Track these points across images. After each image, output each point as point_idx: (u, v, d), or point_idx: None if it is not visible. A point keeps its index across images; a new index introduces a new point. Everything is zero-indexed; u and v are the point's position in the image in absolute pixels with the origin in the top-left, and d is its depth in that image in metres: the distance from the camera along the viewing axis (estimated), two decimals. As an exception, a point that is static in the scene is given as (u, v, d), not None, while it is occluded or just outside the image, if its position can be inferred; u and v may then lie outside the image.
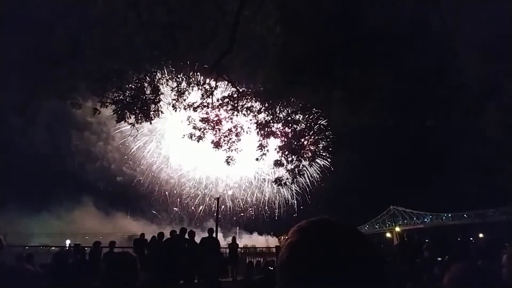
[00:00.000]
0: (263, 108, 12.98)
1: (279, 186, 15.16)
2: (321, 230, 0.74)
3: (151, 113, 11.57)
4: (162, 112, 11.91)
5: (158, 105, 11.76)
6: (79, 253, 10.33)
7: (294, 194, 53.09)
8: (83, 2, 9.52)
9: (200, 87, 12.75)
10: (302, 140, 13.45)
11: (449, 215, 69.78)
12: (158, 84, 11.82)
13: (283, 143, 13.34)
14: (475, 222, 60.11)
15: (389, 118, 11.39)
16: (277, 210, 55.09)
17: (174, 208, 52.37)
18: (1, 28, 10.11)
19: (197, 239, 10.36)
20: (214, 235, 11.01)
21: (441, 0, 9.32)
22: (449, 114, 10.73)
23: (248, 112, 13.04)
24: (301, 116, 13.94)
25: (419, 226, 70.58)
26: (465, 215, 66.35)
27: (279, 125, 13.36)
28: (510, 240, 10.40)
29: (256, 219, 55.67)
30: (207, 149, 14.20)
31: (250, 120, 13.25)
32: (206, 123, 12.82)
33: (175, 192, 51.31)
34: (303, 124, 13.87)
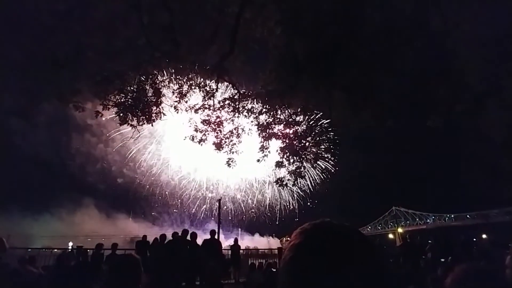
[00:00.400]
0: (264, 109, 12.99)
1: (281, 187, 15.12)
2: (324, 232, 0.75)
3: (153, 115, 11.61)
4: (164, 114, 11.94)
5: (160, 107, 11.80)
6: (81, 255, 10.37)
7: (296, 196, 53.08)
8: (85, 5, 9.58)
9: (201, 89, 12.79)
10: (304, 141, 13.44)
11: (452, 215, 69.56)
12: (160, 86, 11.86)
13: (285, 144, 13.34)
14: (478, 222, 59.84)
15: (391, 119, 11.35)
16: (278, 212, 55.10)
17: (175, 210, 52.49)
18: (3, 31, 10.19)
19: (199, 241, 10.38)
20: (216, 236, 11.02)
21: None
22: (451, 114, 10.69)
23: (249, 113, 13.06)
24: (303, 118, 13.95)
25: (422, 227, 70.40)
26: (468, 216, 66.11)
27: (281, 126, 13.36)
28: (513, 241, 10.34)
29: (258, 220, 55.69)
30: (208, 151, 14.23)
31: (251, 121, 13.27)
32: (208, 125, 12.84)
33: (176, 194, 51.47)
34: (304, 126, 13.88)
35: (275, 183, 15.21)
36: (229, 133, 13.13)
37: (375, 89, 10.67)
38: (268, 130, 13.16)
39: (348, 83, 10.52)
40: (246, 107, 13.07)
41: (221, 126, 12.97)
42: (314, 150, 13.99)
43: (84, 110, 10.58)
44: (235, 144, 13.10)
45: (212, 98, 12.87)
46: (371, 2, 9.70)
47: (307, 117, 14.21)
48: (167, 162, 50.34)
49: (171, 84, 12.39)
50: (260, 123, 13.16)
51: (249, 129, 13.67)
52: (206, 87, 12.83)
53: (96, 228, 45.19)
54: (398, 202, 75.78)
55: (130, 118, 11.28)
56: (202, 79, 12.82)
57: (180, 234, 10.19)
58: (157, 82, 11.79)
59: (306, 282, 0.67)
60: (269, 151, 13.31)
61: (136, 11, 9.58)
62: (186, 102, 12.66)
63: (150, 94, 11.59)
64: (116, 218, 52.00)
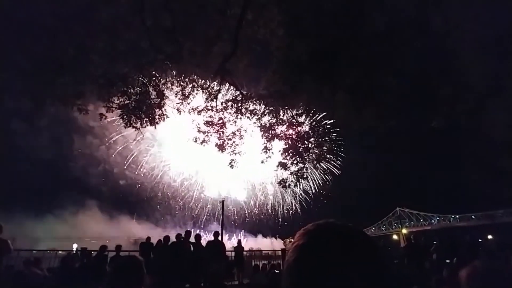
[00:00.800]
0: (267, 111, 12.99)
1: (283, 188, 15.09)
2: (328, 233, 0.74)
3: (156, 117, 11.65)
4: (167, 116, 11.98)
5: (163, 109, 11.84)
6: (85, 257, 10.41)
7: (299, 197, 52.94)
8: (88, 8, 9.65)
9: (204, 91, 12.83)
10: (307, 142, 13.42)
11: (457, 216, 68.93)
12: (163, 88, 11.90)
13: (287, 145, 13.32)
14: (484, 223, 59.26)
15: (394, 119, 11.29)
16: (281, 213, 54.98)
17: (177, 212, 52.57)
18: (7, 34, 10.28)
19: (202, 242, 10.38)
20: (219, 238, 11.01)
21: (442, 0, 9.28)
22: (455, 115, 10.62)
23: (252, 115, 13.07)
24: (305, 119, 13.94)
25: (426, 228, 69.82)
26: (473, 216, 65.49)
27: (283, 127, 13.35)
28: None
29: (261, 221, 55.60)
30: (210, 152, 14.25)
31: (254, 123, 13.28)
32: (211, 126, 12.87)
33: (178, 195, 51.56)
34: (307, 127, 13.87)
35: (278, 184, 15.16)
36: (232, 134, 13.14)
37: (377, 89, 10.64)
38: (271, 131, 13.16)
39: (350, 84, 10.49)
40: (249, 109, 13.08)
41: (223, 128, 12.99)
42: (317, 151, 13.95)
43: (88, 112, 10.64)
44: (237, 145, 13.11)
45: (214, 99, 12.90)
46: (372, 3, 9.68)
47: (309, 118, 14.20)
48: (169, 164, 50.51)
49: (174, 86, 12.42)
50: (263, 124, 13.16)
51: (252, 130, 13.69)
52: (208, 89, 12.87)
53: (99, 229, 45.34)
54: (402, 202, 75.32)
55: (134, 121, 11.32)
56: (204, 81, 12.87)
57: (183, 235, 10.18)
58: (160, 84, 11.83)
59: (310, 283, 0.67)
60: (272, 152, 13.31)
61: (139, 14, 9.64)
62: (189, 104, 12.71)
63: (153, 96, 11.64)
64: (119, 220, 52.23)
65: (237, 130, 13.18)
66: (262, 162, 13.57)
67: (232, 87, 13.64)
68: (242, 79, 13.53)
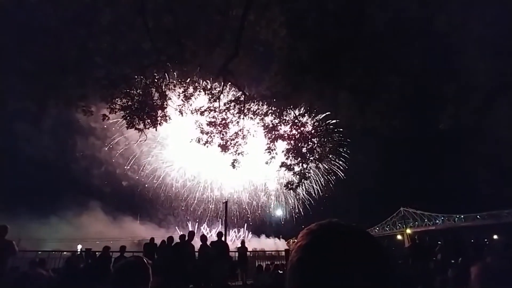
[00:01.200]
0: (270, 111, 12.99)
1: (290, 190, 15.02)
2: (331, 233, 0.74)
3: (159, 118, 11.69)
4: (170, 118, 12.01)
5: (166, 110, 11.87)
6: (90, 257, 10.46)
7: (302, 197, 52.83)
8: (91, 10, 9.71)
9: (206, 92, 12.85)
10: (310, 143, 13.38)
11: (462, 216, 68.33)
12: (166, 90, 11.93)
13: (290, 145, 13.30)
14: (489, 223, 58.72)
15: (397, 119, 11.22)
16: (284, 213, 54.88)
17: (179, 212, 52.67)
18: (10, 36, 10.36)
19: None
20: (223, 238, 11.01)
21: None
22: (461, 114, 10.52)
23: (255, 115, 13.07)
24: (308, 119, 13.91)
25: (431, 228, 69.29)
26: (478, 216, 64.87)
27: (287, 128, 13.33)
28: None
29: (264, 222, 55.57)
30: (212, 153, 14.26)
31: (257, 123, 13.27)
32: (213, 127, 12.89)
33: (181, 196, 51.68)
34: (310, 127, 13.82)
35: (285, 187, 15.11)
36: (235, 134, 13.15)
37: (380, 89, 10.59)
38: (274, 131, 13.14)
39: (353, 83, 10.46)
40: (252, 109, 13.09)
41: (226, 128, 13.00)
42: (320, 150, 13.91)
43: (92, 114, 10.71)
44: (240, 145, 13.11)
45: (217, 100, 12.92)
46: (375, 2, 9.64)
47: (312, 118, 14.16)
48: (171, 165, 50.65)
49: (176, 87, 12.46)
50: (266, 125, 13.15)
51: (255, 131, 13.68)
52: (211, 90, 12.89)
53: (103, 230, 45.57)
54: (407, 202, 74.87)
55: (137, 122, 11.37)
56: (207, 82, 12.89)
57: (187, 236, 10.20)
58: (163, 85, 11.87)
59: (314, 283, 0.66)
60: (276, 153, 13.28)
61: (141, 16, 9.69)
62: (191, 105, 12.73)
63: (155, 97, 11.68)
64: (123, 221, 52.47)
65: (240, 131, 13.19)
66: (266, 163, 13.54)
67: (234, 88, 13.66)
68: (244, 80, 13.55)
